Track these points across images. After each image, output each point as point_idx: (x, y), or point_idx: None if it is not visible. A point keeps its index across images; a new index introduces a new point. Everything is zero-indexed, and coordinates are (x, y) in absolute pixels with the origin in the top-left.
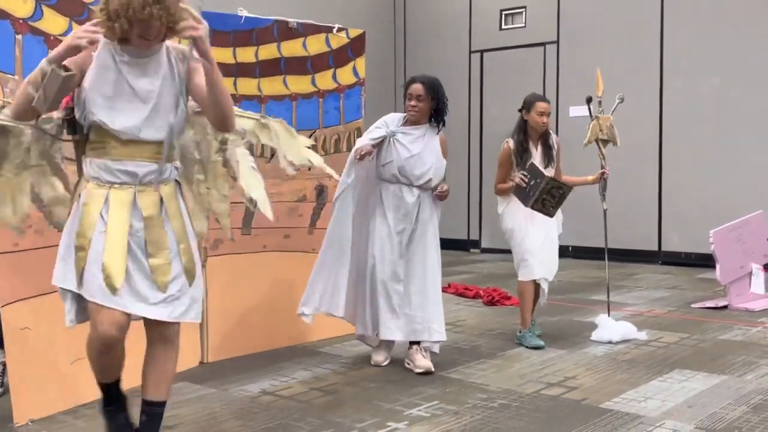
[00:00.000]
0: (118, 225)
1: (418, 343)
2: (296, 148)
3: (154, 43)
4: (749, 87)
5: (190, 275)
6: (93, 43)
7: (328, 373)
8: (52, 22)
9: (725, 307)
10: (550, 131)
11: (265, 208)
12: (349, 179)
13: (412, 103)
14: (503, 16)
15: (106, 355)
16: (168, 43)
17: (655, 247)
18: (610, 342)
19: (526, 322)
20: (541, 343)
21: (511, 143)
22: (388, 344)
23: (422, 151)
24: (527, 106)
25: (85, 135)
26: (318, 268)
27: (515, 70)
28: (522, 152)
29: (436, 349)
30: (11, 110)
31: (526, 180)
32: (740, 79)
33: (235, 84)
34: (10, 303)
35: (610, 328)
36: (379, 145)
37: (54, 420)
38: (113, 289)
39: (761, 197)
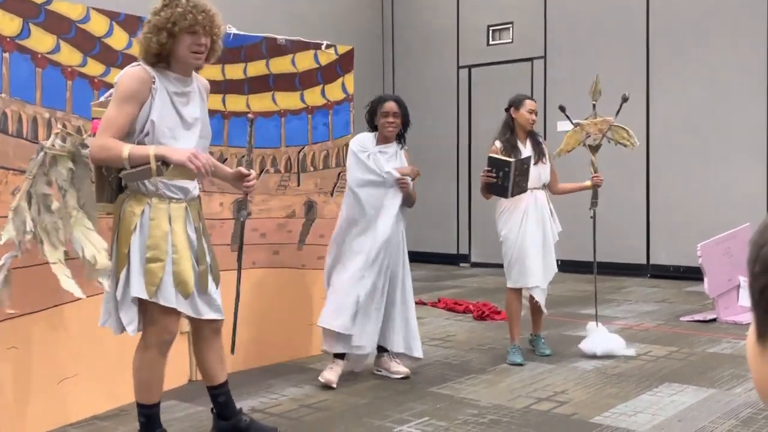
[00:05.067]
0: (183, 236)
1: (386, 351)
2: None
3: (201, 64)
4: (736, 101)
5: (217, 280)
6: (207, 174)
7: (318, 390)
8: (40, 40)
9: (714, 320)
10: (537, 133)
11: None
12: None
13: (390, 119)
14: (491, 31)
15: (163, 360)
16: (195, 75)
17: (644, 260)
18: (594, 356)
19: (513, 337)
20: (518, 360)
21: (498, 144)
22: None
23: (396, 168)
24: (516, 104)
25: None
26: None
27: (503, 85)
28: (511, 150)
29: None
30: (95, 153)
31: (493, 174)
32: (727, 93)
33: (223, 100)
34: None
35: (598, 340)
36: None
37: None
38: (186, 295)
39: (748, 210)
